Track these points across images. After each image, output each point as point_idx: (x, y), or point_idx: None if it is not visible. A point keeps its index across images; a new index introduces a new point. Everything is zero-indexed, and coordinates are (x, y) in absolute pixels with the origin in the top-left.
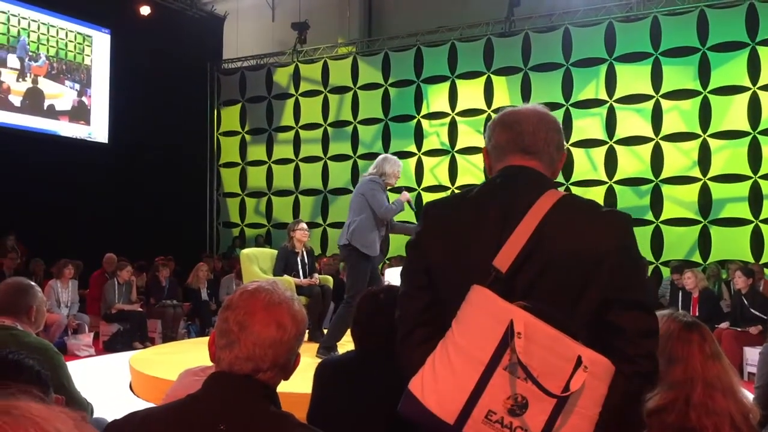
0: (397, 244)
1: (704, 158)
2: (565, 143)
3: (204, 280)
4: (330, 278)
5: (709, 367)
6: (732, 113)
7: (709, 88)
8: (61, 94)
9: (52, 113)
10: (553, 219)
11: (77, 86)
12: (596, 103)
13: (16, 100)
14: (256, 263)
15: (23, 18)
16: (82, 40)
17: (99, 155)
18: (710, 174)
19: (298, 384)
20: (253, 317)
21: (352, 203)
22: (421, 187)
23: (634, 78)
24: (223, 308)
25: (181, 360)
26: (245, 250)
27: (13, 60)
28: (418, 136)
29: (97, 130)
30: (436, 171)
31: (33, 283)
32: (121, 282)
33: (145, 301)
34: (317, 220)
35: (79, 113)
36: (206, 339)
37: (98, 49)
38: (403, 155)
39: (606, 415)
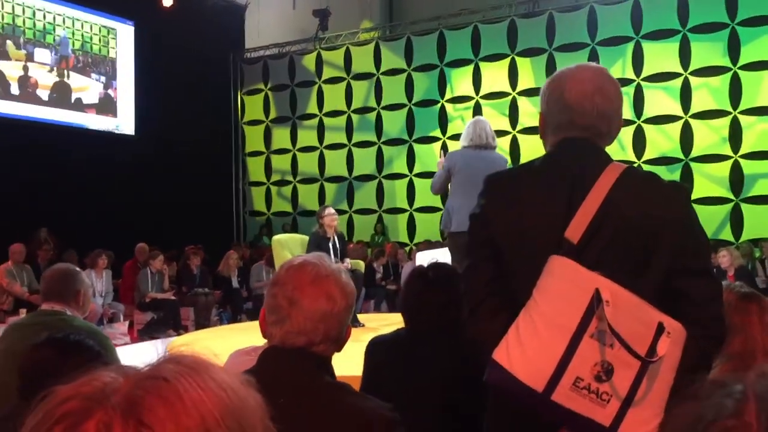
0: (424, 227)
1: (735, 135)
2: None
3: (234, 267)
4: (361, 263)
5: None
6: (763, 89)
7: (739, 64)
8: (87, 87)
9: (79, 106)
10: (620, 191)
11: (103, 79)
12: (623, 82)
13: (44, 94)
14: (288, 249)
15: (48, 12)
16: (106, 32)
17: (126, 147)
18: (741, 151)
19: (348, 367)
20: (302, 291)
21: (479, 186)
22: None
23: (661, 55)
24: (270, 285)
25: (218, 345)
26: (277, 236)
27: (41, 54)
28: (443, 120)
29: (124, 122)
30: None
31: (78, 269)
32: (154, 271)
33: (177, 289)
34: (343, 207)
35: (106, 106)
36: (238, 325)
37: (122, 41)
38: (428, 140)
39: (679, 377)
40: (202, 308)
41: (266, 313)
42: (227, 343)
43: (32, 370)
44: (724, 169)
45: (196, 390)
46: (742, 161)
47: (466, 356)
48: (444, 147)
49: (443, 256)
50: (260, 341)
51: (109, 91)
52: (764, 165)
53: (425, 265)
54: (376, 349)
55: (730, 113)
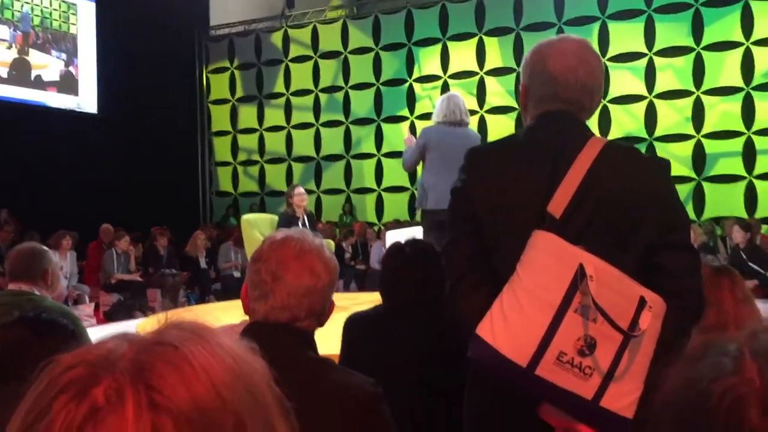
0: (392, 207)
1: (698, 115)
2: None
3: (202, 248)
4: (331, 242)
5: (741, 309)
6: (725, 69)
7: (702, 45)
8: (47, 65)
9: (39, 84)
10: (602, 165)
11: (64, 56)
12: None
13: (2, 71)
14: (257, 229)
15: None
16: (66, 8)
17: (88, 126)
18: (704, 131)
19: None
20: (286, 267)
21: (458, 161)
22: None
23: (627, 36)
24: (253, 260)
25: None
26: (246, 216)
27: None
28: (411, 100)
29: (86, 100)
30: None
31: (46, 248)
32: (120, 252)
33: (144, 271)
34: (310, 187)
35: (67, 83)
36: (207, 306)
37: (83, 17)
38: (396, 120)
39: (658, 349)
40: (170, 289)
41: (249, 289)
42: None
43: (3, 351)
44: (686, 148)
45: (204, 356)
46: (704, 141)
47: (442, 332)
48: (412, 127)
49: (414, 235)
50: (232, 321)
51: (70, 69)
52: (725, 144)
53: (402, 241)
54: (353, 325)
55: (693, 93)
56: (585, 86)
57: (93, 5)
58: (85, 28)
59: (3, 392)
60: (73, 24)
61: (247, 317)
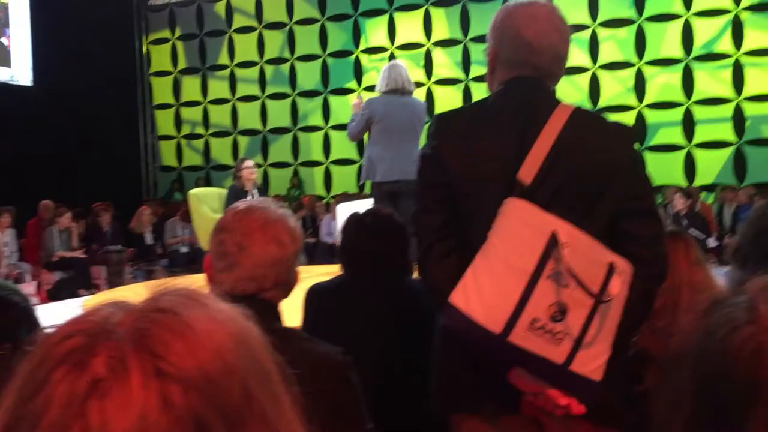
0: (340, 180)
1: (639, 86)
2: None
3: (148, 223)
4: None
5: (694, 272)
6: (666, 41)
7: (644, 16)
8: None
9: None
10: (570, 132)
11: None
12: None
13: None
14: (205, 203)
15: None
16: None
17: (24, 99)
18: (645, 102)
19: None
20: (251, 237)
21: (412, 131)
22: None
23: (571, 7)
24: (216, 231)
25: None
26: (193, 190)
27: None
28: (358, 71)
29: (20, 72)
30: None
31: None
32: (62, 229)
33: (87, 247)
34: (257, 161)
35: None
36: (156, 282)
37: None
38: (343, 92)
39: (625, 313)
40: (115, 266)
41: (213, 260)
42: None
43: None
44: (629, 119)
45: (205, 321)
46: (645, 111)
47: (405, 302)
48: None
49: (366, 207)
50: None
51: (2, 40)
52: (665, 114)
53: (361, 212)
54: (315, 296)
55: (634, 65)
56: (557, 53)
57: None
58: None
59: None
60: None
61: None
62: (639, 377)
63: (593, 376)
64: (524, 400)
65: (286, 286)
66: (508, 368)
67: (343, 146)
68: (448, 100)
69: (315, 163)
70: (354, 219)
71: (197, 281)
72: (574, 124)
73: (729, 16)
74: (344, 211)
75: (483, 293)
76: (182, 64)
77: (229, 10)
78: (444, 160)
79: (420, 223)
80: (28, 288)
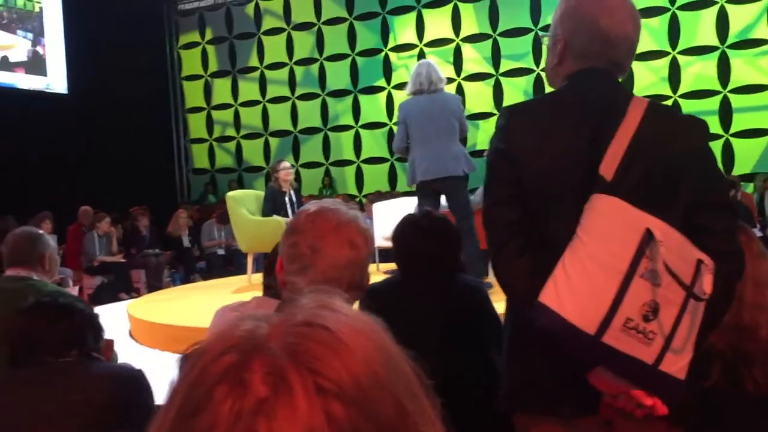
0: (372, 178)
1: (674, 75)
2: None
3: (185, 227)
4: None
5: (758, 265)
6: (700, 29)
7: (677, 4)
8: (14, 45)
9: (6, 65)
10: (646, 126)
11: (30, 36)
12: None
13: None
14: (243, 205)
15: None
16: None
17: (59, 106)
18: (680, 91)
19: None
20: (325, 239)
21: (447, 128)
22: (393, 121)
23: None
24: (288, 233)
25: (178, 306)
26: (230, 193)
27: None
28: (387, 69)
29: (55, 80)
30: None
31: (42, 231)
32: (101, 234)
33: (126, 252)
34: (289, 161)
35: (35, 64)
36: (195, 285)
37: None
38: (373, 90)
39: (706, 311)
40: (154, 270)
41: (285, 263)
42: (188, 303)
43: (22, 336)
44: None
45: (353, 334)
46: (680, 101)
47: (458, 302)
48: (390, 98)
49: (402, 208)
50: (225, 300)
51: (38, 49)
52: (702, 104)
53: (417, 214)
54: (372, 296)
55: (668, 54)
56: (631, 44)
57: None
58: (50, 6)
59: (22, 376)
60: (38, 3)
61: (258, 293)
62: (705, 373)
63: (679, 375)
64: (602, 401)
65: (359, 289)
66: (589, 368)
67: (373, 145)
68: (478, 95)
69: (346, 162)
70: (409, 221)
71: (238, 283)
72: (650, 117)
73: (765, 2)
74: (380, 210)
75: (576, 293)
76: (213, 67)
77: (258, 12)
78: (516, 154)
79: (492, 219)
80: (71, 293)
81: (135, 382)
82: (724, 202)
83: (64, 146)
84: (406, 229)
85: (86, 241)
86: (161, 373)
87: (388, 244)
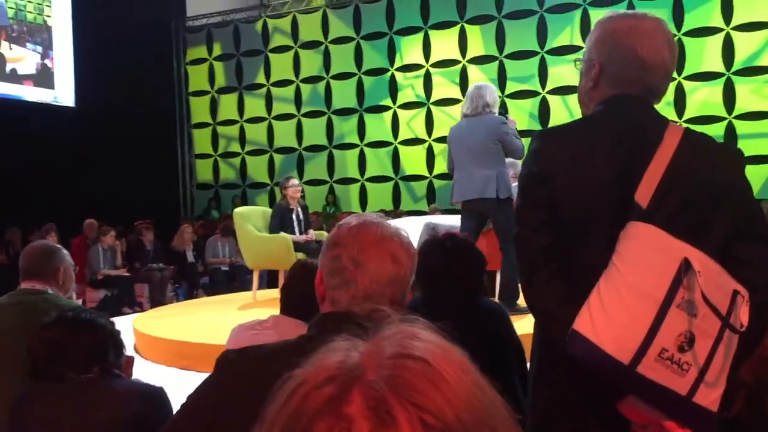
0: (375, 197)
1: (680, 100)
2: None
3: (189, 242)
4: (325, 234)
5: None
6: (706, 55)
7: (683, 30)
8: (23, 58)
9: (14, 78)
10: (683, 154)
11: (39, 48)
12: (572, 49)
13: None
14: (250, 222)
15: None
16: (41, 0)
17: (66, 119)
18: (686, 116)
19: None
20: (367, 253)
21: (483, 151)
22: (398, 140)
23: None
24: (329, 246)
25: (184, 322)
26: (238, 209)
27: None
28: (393, 89)
29: (63, 93)
30: (413, 124)
31: (59, 246)
32: (106, 247)
33: (130, 265)
34: (294, 178)
35: (43, 77)
36: (199, 300)
37: (58, 8)
38: (379, 109)
39: (740, 343)
40: (158, 284)
41: (325, 276)
42: (196, 319)
43: (44, 350)
44: None
45: (453, 368)
46: (686, 126)
47: (480, 322)
48: (395, 117)
49: (408, 226)
50: (230, 316)
51: (46, 62)
52: (707, 129)
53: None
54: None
55: (674, 79)
56: (667, 70)
57: None
58: (60, 20)
59: (44, 390)
60: (48, 16)
61: (264, 310)
62: (729, 403)
63: (712, 407)
64: (632, 430)
65: (401, 306)
66: (619, 397)
67: (378, 164)
68: None
69: (350, 181)
70: (432, 243)
71: (243, 299)
72: (687, 146)
73: None
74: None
75: (611, 322)
76: (219, 83)
77: (266, 30)
78: (549, 177)
79: (524, 244)
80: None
81: (157, 399)
82: (762, 234)
83: (70, 159)
84: (429, 249)
85: (91, 254)
86: (168, 389)
87: None
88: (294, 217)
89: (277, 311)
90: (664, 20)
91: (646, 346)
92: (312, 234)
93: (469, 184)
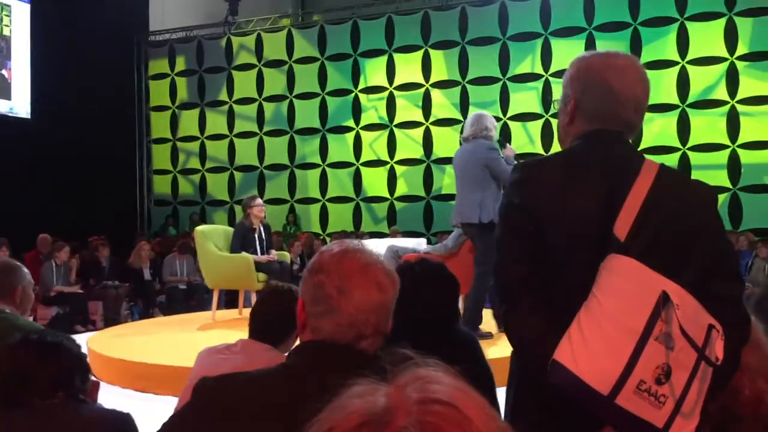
0: (336, 217)
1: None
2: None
3: (147, 259)
4: (287, 254)
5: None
6: (663, 87)
7: (641, 62)
8: None
9: None
10: (658, 189)
11: None
12: (533, 77)
13: None
14: (211, 240)
15: None
16: (0, 9)
17: (22, 131)
18: (641, 146)
19: None
20: (351, 280)
21: (470, 176)
22: (360, 161)
23: (568, 52)
24: (312, 273)
25: (142, 342)
26: (200, 227)
27: None
28: (356, 110)
29: (19, 104)
30: (375, 146)
31: (20, 264)
32: (59, 263)
33: (84, 282)
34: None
35: (0, 87)
36: (154, 320)
37: (17, 19)
38: (341, 130)
39: (714, 376)
40: (112, 302)
41: (307, 304)
42: (155, 339)
43: (7, 376)
44: None
45: (479, 413)
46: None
47: (456, 350)
48: (358, 138)
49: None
50: (190, 337)
51: (3, 72)
52: (662, 160)
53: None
54: None
55: None
56: (639, 105)
57: (27, 7)
58: (18, 30)
59: (9, 417)
60: (6, 26)
61: (235, 333)
62: None
63: None
64: None
65: (383, 334)
66: (597, 428)
67: (339, 184)
68: (446, 139)
69: (311, 201)
70: (403, 268)
71: (202, 319)
72: (662, 181)
73: (725, 65)
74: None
75: (591, 353)
76: (180, 99)
77: (229, 48)
78: (531, 210)
79: (504, 274)
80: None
81: (125, 426)
82: (734, 270)
83: (24, 172)
84: (400, 275)
85: (44, 271)
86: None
87: None
88: (256, 236)
89: (237, 333)
90: (637, 58)
91: (625, 378)
92: (274, 254)
93: (458, 208)
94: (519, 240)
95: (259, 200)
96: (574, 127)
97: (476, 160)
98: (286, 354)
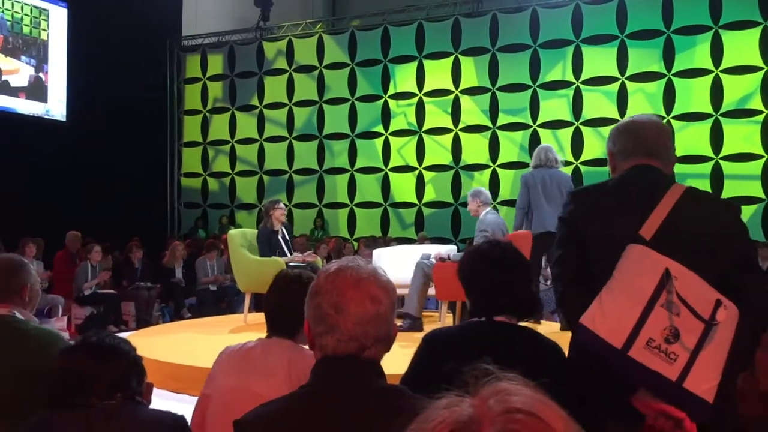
0: (364, 222)
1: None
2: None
3: (180, 259)
4: (320, 259)
5: None
6: (694, 95)
7: (673, 71)
8: (17, 70)
9: (7, 89)
10: (685, 204)
11: (34, 62)
12: (563, 84)
13: None
14: (243, 244)
15: None
16: (38, 14)
17: (57, 133)
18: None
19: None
20: (345, 297)
21: (555, 194)
22: (389, 167)
23: (600, 60)
24: (311, 296)
25: (177, 342)
26: (233, 231)
27: None
28: (385, 116)
29: (55, 107)
30: (404, 151)
31: (25, 260)
32: (94, 264)
33: (116, 283)
34: (282, 200)
35: (36, 90)
36: (189, 322)
37: (55, 23)
38: (370, 135)
39: (735, 351)
40: (144, 303)
41: (311, 324)
42: (188, 339)
43: (66, 378)
44: None
45: (560, 423)
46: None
47: (543, 341)
48: (386, 144)
49: (405, 253)
50: (223, 339)
51: (40, 75)
52: (694, 168)
53: (484, 245)
54: (435, 343)
55: (663, 118)
56: (666, 145)
57: (65, 12)
58: (56, 34)
59: (66, 419)
60: (44, 30)
61: (256, 334)
62: None
63: (705, 396)
64: (645, 425)
65: (386, 341)
66: (631, 392)
67: (367, 189)
68: (474, 145)
69: (340, 205)
70: (477, 253)
71: (234, 322)
72: (689, 198)
73: (760, 74)
74: (381, 255)
75: (606, 315)
76: (212, 103)
77: (261, 53)
78: (577, 222)
79: (561, 267)
80: (59, 323)
81: (180, 427)
82: (755, 265)
83: (59, 173)
84: (475, 260)
85: (79, 270)
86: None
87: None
88: (280, 238)
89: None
90: (660, 119)
91: (635, 335)
92: (310, 254)
93: (541, 221)
94: (570, 243)
95: (281, 204)
96: (617, 173)
97: (566, 187)
98: (305, 347)
